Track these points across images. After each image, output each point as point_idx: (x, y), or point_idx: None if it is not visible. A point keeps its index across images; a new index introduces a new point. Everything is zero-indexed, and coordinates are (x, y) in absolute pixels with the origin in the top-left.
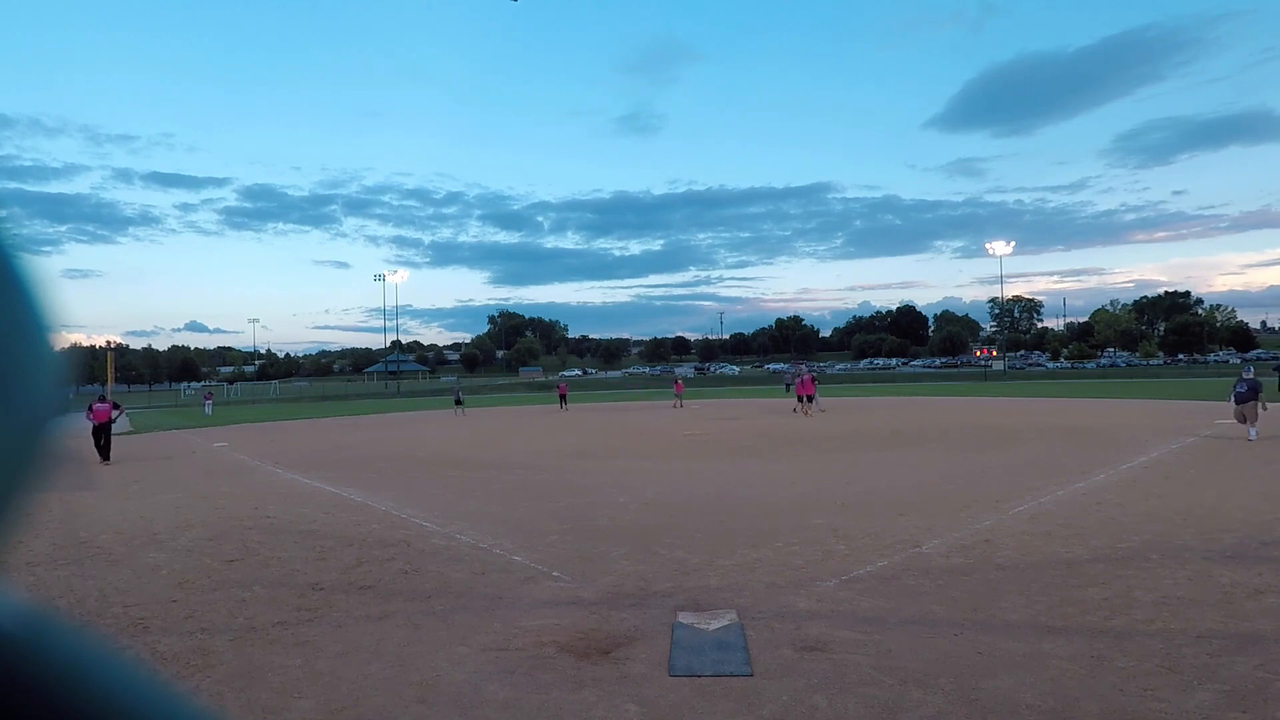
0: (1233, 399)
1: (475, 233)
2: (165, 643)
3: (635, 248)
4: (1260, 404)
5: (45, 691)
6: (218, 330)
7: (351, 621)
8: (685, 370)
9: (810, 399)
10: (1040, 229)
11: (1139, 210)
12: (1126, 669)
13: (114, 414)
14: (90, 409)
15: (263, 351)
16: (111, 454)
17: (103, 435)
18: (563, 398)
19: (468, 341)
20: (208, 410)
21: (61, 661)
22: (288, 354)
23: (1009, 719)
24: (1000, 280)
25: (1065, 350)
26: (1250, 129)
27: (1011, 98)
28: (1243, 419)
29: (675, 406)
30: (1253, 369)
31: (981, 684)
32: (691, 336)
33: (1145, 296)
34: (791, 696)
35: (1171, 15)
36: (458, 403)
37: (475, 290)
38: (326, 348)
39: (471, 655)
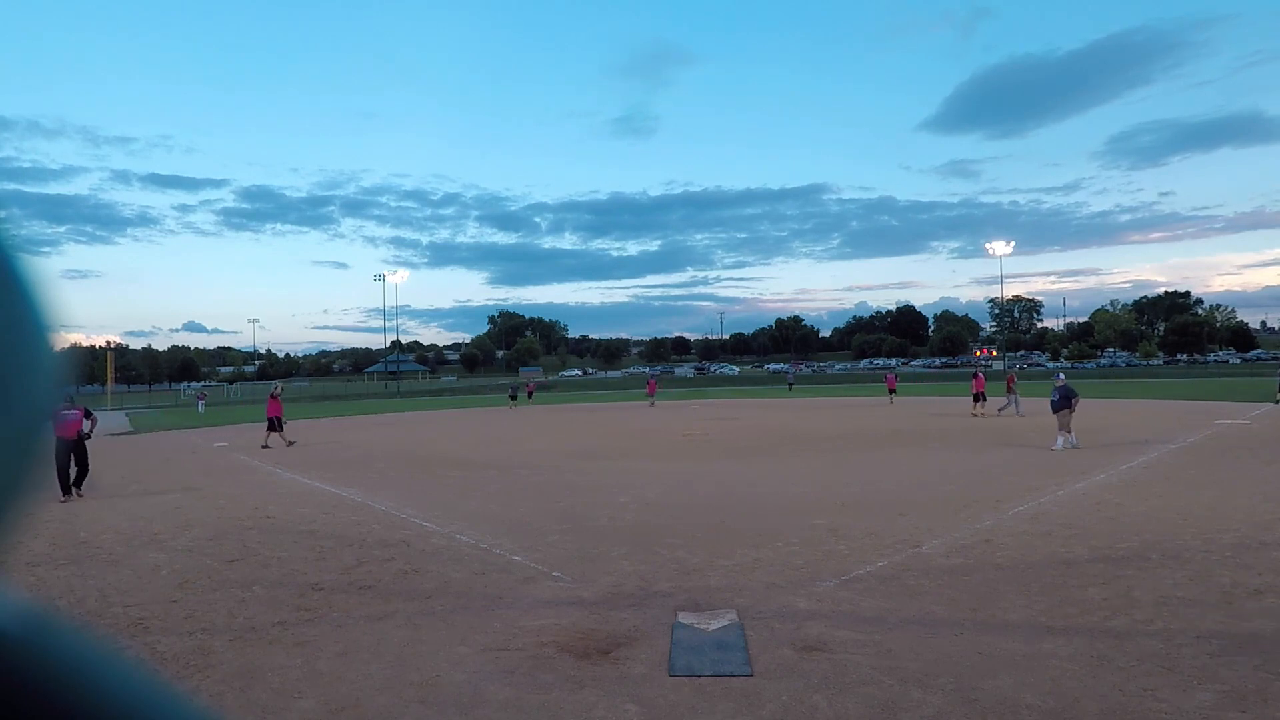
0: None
1: (473, 233)
2: (165, 643)
3: (633, 248)
4: (1071, 409)
5: (45, 691)
6: (216, 330)
7: (351, 621)
8: (685, 370)
9: (981, 397)
10: (1036, 230)
11: (1134, 211)
12: (1126, 669)
13: (86, 425)
14: (57, 419)
15: (262, 351)
16: (86, 481)
17: (71, 457)
18: (530, 394)
19: (467, 341)
20: (201, 409)
21: (61, 661)
22: (287, 354)
23: (1009, 719)
24: (1000, 280)
25: (1065, 350)
26: (1242, 131)
27: (1003, 100)
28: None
29: (649, 406)
30: (1063, 375)
31: (981, 684)
32: (691, 336)
33: (1145, 297)
34: (791, 696)
35: (1158, 19)
36: (512, 398)
37: (473, 290)
38: (326, 348)
39: (471, 655)
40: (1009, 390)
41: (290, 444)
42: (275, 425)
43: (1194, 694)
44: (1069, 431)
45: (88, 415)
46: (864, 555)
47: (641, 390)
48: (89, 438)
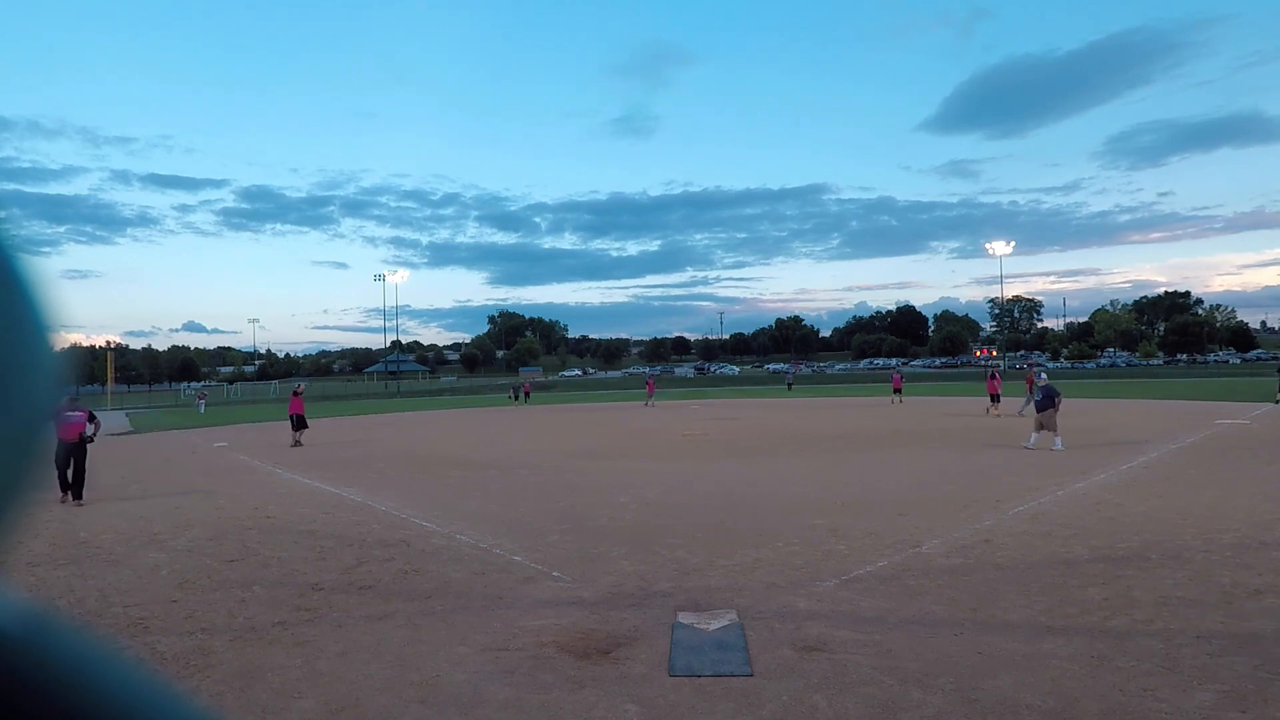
0: (1033, 407)
1: (473, 233)
2: (165, 643)
3: (632, 248)
4: (1055, 408)
5: (45, 691)
6: (216, 330)
7: (351, 621)
8: (685, 370)
9: (996, 399)
10: (1036, 230)
11: (1133, 211)
12: (1126, 669)
13: (89, 429)
14: (59, 419)
15: (262, 352)
16: (85, 487)
17: (71, 461)
18: (526, 394)
19: (467, 341)
20: (201, 409)
21: (61, 661)
22: (287, 354)
23: (1009, 719)
24: (1000, 280)
25: (1065, 350)
26: (1241, 131)
27: (1002, 100)
28: (1041, 428)
29: (647, 405)
30: (1045, 374)
31: (981, 684)
32: (691, 336)
33: (1145, 297)
34: (791, 696)
35: (1158, 19)
36: (514, 397)
37: (473, 290)
38: (326, 348)
39: (471, 655)
40: (1029, 390)
41: (296, 445)
42: (299, 423)
43: (1194, 694)
44: (1053, 430)
45: (91, 419)
46: (864, 555)
47: (641, 390)
48: (91, 441)
